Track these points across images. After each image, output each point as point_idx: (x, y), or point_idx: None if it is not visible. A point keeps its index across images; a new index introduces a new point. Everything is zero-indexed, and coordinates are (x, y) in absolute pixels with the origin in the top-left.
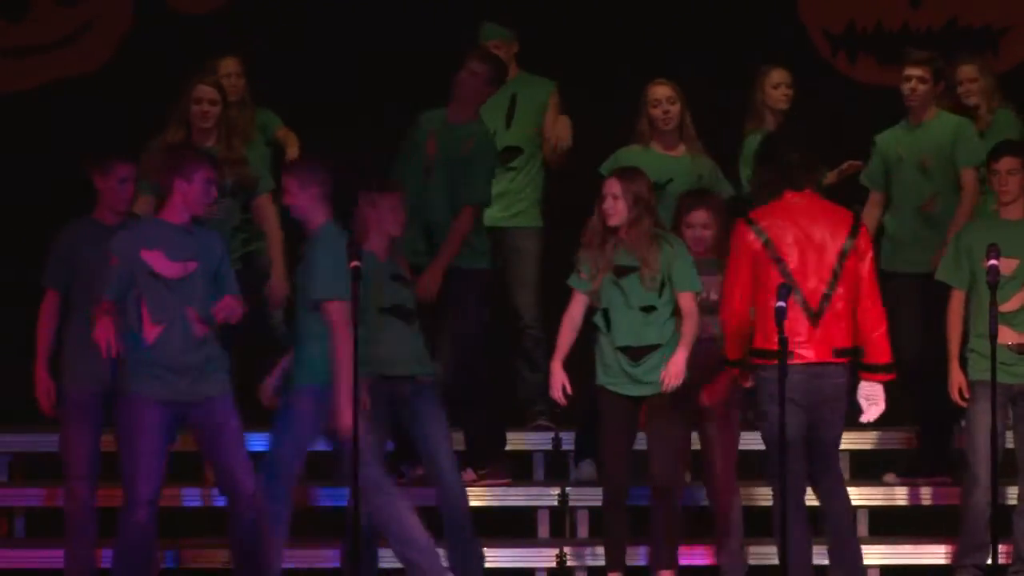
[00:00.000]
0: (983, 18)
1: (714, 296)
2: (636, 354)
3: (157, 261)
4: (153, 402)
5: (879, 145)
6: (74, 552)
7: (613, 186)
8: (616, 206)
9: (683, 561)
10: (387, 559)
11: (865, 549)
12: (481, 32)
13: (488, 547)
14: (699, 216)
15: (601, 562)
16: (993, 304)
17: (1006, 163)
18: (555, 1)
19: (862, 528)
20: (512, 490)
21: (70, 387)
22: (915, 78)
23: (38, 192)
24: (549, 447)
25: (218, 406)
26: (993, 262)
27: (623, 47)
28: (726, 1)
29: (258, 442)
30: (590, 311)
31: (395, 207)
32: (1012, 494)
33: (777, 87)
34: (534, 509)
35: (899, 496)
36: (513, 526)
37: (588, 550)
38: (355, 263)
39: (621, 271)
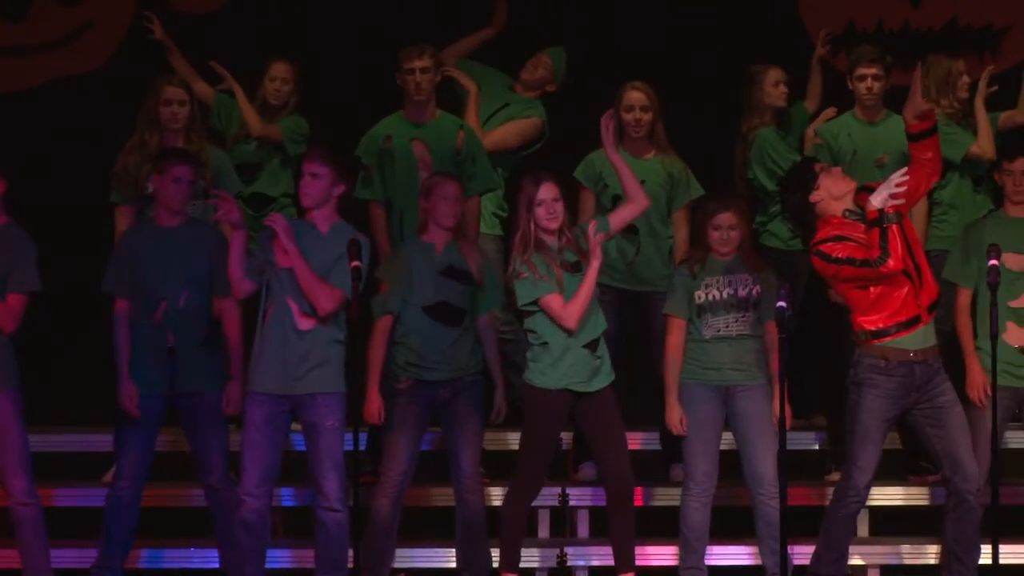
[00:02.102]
0: (983, 18)
1: (742, 293)
2: (595, 346)
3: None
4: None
5: (825, 137)
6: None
7: (553, 191)
8: (557, 208)
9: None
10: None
11: (866, 549)
12: (550, 52)
13: (490, 547)
14: (726, 218)
15: (602, 561)
16: (994, 305)
17: (1021, 163)
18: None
19: (863, 528)
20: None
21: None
22: (870, 76)
23: (49, 191)
24: None
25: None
26: (993, 262)
27: (601, 52)
28: (727, 2)
29: None
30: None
31: (447, 197)
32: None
33: (777, 85)
34: (535, 509)
35: (896, 496)
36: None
37: (589, 550)
38: (355, 263)
39: (572, 267)
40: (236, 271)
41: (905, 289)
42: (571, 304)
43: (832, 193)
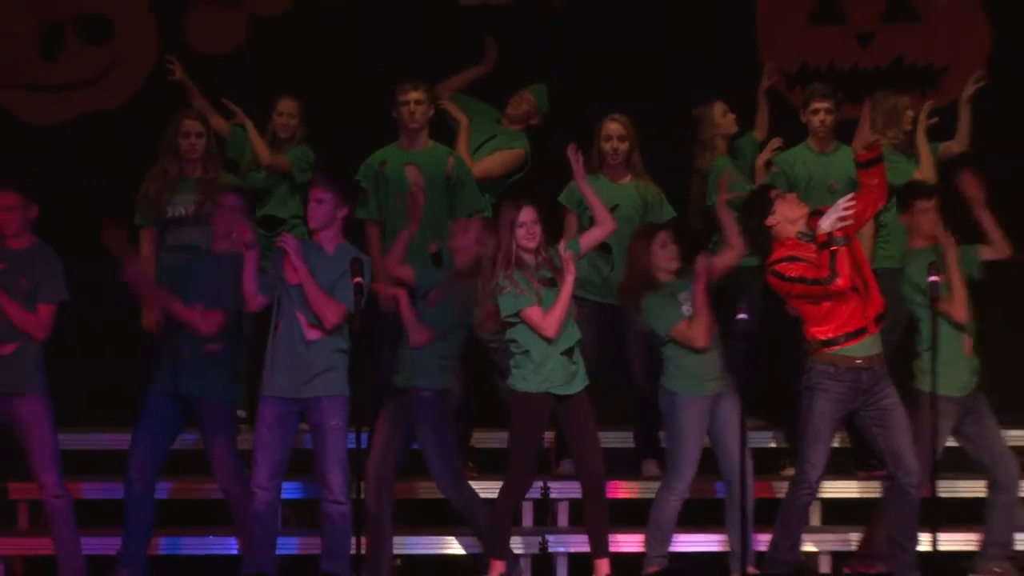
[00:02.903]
0: (926, 58)
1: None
2: (571, 353)
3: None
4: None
5: (782, 165)
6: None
7: (532, 214)
8: (535, 230)
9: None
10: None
11: (818, 537)
12: (533, 89)
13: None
14: (665, 237)
15: (579, 548)
16: (935, 319)
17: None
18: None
19: (815, 518)
20: (500, 485)
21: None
22: (823, 110)
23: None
24: None
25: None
26: (934, 278)
27: (588, 85)
28: (690, 45)
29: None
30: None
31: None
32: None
33: (725, 114)
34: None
35: (846, 490)
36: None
37: (568, 538)
38: (357, 280)
39: (548, 282)
40: (250, 287)
41: (853, 303)
42: (550, 315)
43: (787, 217)
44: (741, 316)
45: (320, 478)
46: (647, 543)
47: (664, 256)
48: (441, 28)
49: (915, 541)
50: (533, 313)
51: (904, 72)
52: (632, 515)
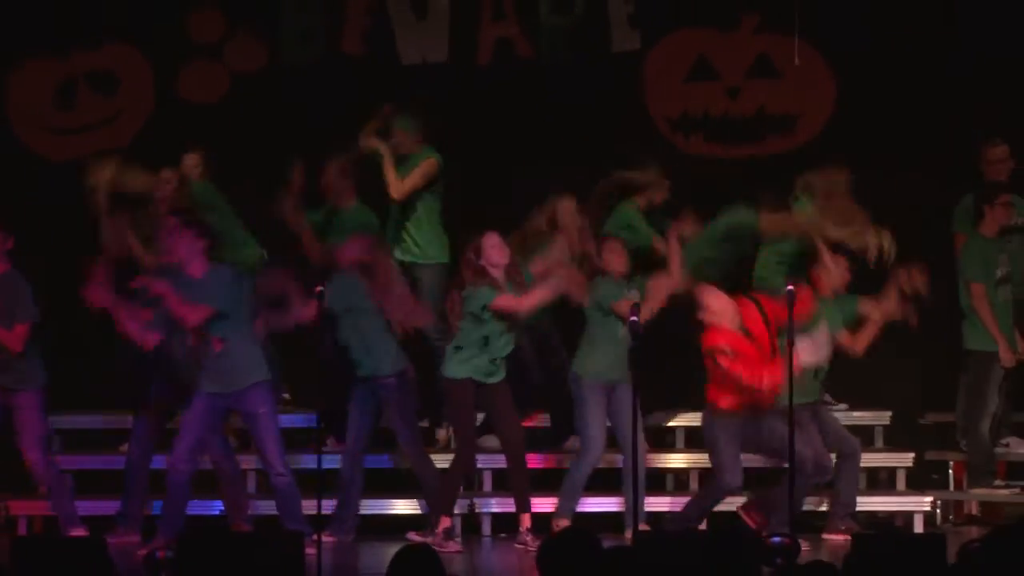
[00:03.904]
0: (784, 107)
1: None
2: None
3: None
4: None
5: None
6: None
7: (496, 238)
8: (505, 251)
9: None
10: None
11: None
12: (397, 121)
13: (418, 499)
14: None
15: (501, 509)
16: (790, 337)
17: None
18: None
19: None
20: (436, 456)
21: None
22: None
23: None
24: None
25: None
26: (790, 288)
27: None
28: (603, 101)
29: None
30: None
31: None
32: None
33: (573, 215)
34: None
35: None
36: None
37: (492, 500)
38: (319, 287)
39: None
40: (133, 328)
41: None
42: (526, 296)
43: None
44: (632, 319)
45: (262, 458)
46: (559, 503)
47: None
48: (385, 86)
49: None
50: (502, 300)
51: (766, 119)
52: (543, 481)
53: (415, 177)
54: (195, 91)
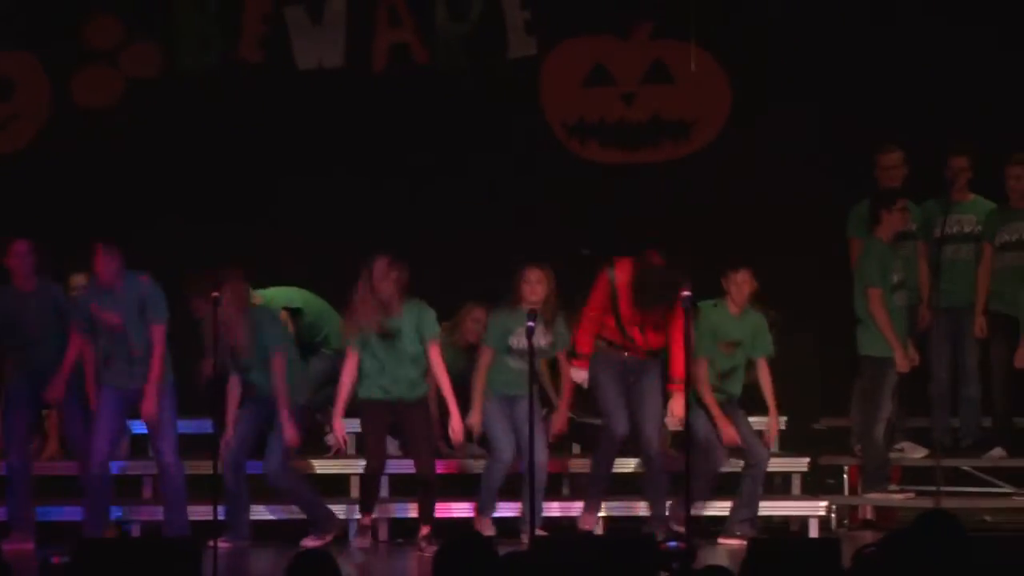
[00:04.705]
0: (678, 113)
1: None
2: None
3: None
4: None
5: None
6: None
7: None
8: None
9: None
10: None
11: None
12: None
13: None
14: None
15: (400, 515)
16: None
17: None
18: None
19: None
20: (334, 462)
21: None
22: None
23: None
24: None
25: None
26: (686, 293)
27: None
28: (496, 111)
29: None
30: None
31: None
32: None
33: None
34: (348, 477)
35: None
36: (333, 487)
37: (388, 507)
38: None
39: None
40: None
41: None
42: (444, 373)
43: None
44: (529, 324)
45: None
46: (478, 505)
47: (529, 290)
48: (281, 92)
49: (664, 503)
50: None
51: (661, 125)
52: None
53: None
54: (90, 96)
